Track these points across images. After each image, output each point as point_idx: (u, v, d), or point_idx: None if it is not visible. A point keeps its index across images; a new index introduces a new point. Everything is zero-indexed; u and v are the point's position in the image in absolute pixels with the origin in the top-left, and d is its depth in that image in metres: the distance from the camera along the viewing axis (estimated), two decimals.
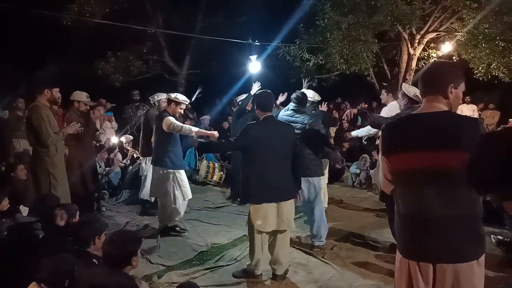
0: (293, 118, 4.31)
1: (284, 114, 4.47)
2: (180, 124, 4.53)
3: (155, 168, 4.89)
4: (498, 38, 8.99)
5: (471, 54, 9.63)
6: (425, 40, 10.82)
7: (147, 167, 5.68)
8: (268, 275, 3.74)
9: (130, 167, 7.06)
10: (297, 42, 10.66)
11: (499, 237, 4.15)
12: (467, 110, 10.86)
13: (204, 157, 8.44)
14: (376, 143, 8.43)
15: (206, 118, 9.74)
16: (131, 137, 7.61)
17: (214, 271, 3.92)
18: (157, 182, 4.83)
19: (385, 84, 9.32)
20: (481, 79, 9.74)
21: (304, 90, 5.34)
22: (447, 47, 10.30)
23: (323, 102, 5.91)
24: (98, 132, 6.00)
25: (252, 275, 3.70)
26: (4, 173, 5.68)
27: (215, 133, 4.82)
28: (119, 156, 7.22)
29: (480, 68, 9.62)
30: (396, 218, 2.01)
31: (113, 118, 8.34)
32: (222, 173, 7.74)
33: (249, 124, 3.56)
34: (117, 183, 6.85)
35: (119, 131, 8.16)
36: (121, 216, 5.74)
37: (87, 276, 2.32)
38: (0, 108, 7.83)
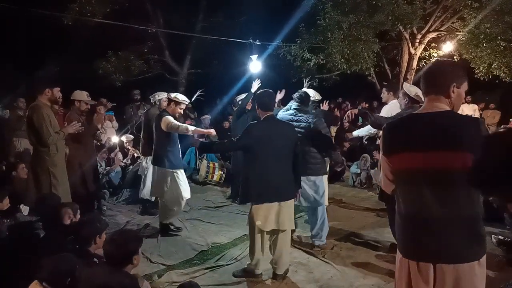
0: (297, 118, 4.30)
1: (286, 113, 4.46)
2: (177, 123, 4.51)
3: (154, 168, 4.91)
4: (499, 37, 8.98)
5: (472, 54, 9.61)
6: (426, 39, 10.80)
7: (147, 166, 5.69)
8: (268, 275, 3.74)
9: (131, 166, 7.06)
10: (298, 41, 10.65)
11: (500, 237, 4.15)
12: (468, 109, 10.85)
13: (204, 157, 8.44)
14: (377, 142, 8.44)
15: (207, 118, 9.73)
16: (132, 137, 7.62)
17: (214, 271, 3.92)
18: (157, 182, 4.84)
19: (385, 83, 9.32)
20: (482, 78, 9.72)
21: (304, 89, 5.35)
22: (448, 47, 10.29)
23: (325, 101, 5.91)
24: (99, 132, 6.01)
25: (252, 274, 3.70)
26: (4, 172, 5.69)
27: (212, 131, 4.82)
28: (120, 155, 7.22)
29: (481, 67, 9.60)
30: (396, 217, 2.01)
31: (113, 117, 8.35)
32: (222, 172, 7.74)
33: (251, 124, 3.56)
34: (117, 183, 6.85)
35: (120, 131, 8.17)
36: (122, 216, 5.74)
37: (88, 275, 2.32)
38: (1, 108, 7.84)
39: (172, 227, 5.00)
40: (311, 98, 4.90)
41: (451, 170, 1.78)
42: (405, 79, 10.80)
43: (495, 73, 9.62)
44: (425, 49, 11.19)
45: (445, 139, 1.81)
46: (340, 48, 9.75)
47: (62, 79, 4.84)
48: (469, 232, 1.81)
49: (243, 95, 6.33)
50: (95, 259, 2.84)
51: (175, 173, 4.69)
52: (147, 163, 5.72)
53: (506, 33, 8.82)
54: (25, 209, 4.30)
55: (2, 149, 7.05)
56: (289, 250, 3.87)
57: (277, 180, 3.50)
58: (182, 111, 4.93)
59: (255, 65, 7.90)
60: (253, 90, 5.75)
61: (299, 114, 4.34)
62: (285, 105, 5.32)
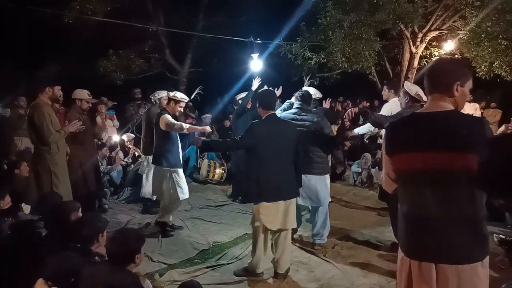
0: (301, 117, 4.29)
1: (289, 112, 4.45)
2: (174, 121, 4.49)
3: (154, 167, 4.91)
4: (500, 36, 8.96)
5: (474, 53, 9.60)
6: (427, 38, 10.78)
7: (148, 165, 5.69)
8: (269, 274, 3.74)
9: (132, 165, 7.07)
10: (299, 40, 10.64)
11: (501, 236, 4.14)
12: (469, 108, 10.79)
13: (205, 156, 8.45)
14: (378, 141, 8.46)
15: (208, 117, 9.73)
16: (133, 135, 7.62)
17: (215, 270, 3.92)
18: (156, 181, 4.85)
19: (385, 82, 9.31)
20: (483, 77, 9.70)
21: (305, 88, 5.35)
22: (449, 46, 10.27)
23: (328, 99, 5.91)
24: (101, 123, 6.00)
25: (253, 273, 3.71)
26: (6, 171, 5.69)
27: (207, 128, 4.81)
28: (121, 154, 7.22)
29: (483, 66, 9.59)
30: (399, 217, 2.00)
31: (114, 116, 8.35)
32: (223, 171, 7.74)
33: (253, 123, 3.55)
34: (118, 182, 6.86)
35: (121, 129, 8.17)
36: (123, 214, 5.75)
37: (91, 274, 2.32)
38: (2, 106, 7.84)
39: (169, 227, 4.98)
40: (312, 97, 4.90)
41: (454, 170, 1.77)
42: (406, 78, 10.79)
43: (496, 72, 9.61)
44: (426, 48, 11.17)
45: (448, 139, 1.79)
46: (341, 47, 9.74)
47: (62, 78, 4.84)
48: (471, 232, 1.80)
49: (243, 94, 6.33)
50: (96, 258, 2.84)
51: (173, 173, 4.68)
52: (148, 162, 5.71)
53: (508, 32, 8.80)
54: (26, 208, 4.30)
55: (3, 148, 7.04)
56: (291, 249, 3.87)
57: (281, 178, 3.50)
58: (182, 109, 4.92)
59: (256, 64, 7.89)
60: (253, 88, 5.73)
61: (303, 113, 4.34)
62: (282, 103, 5.32)
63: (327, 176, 4.54)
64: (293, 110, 4.44)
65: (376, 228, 5.07)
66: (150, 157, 5.49)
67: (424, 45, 10.87)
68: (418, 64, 11.15)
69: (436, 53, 11.05)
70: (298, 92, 4.58)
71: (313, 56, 10.54)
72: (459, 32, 10.07)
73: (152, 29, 11.27)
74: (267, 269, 3.77)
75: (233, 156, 6.82)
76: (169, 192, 4.71)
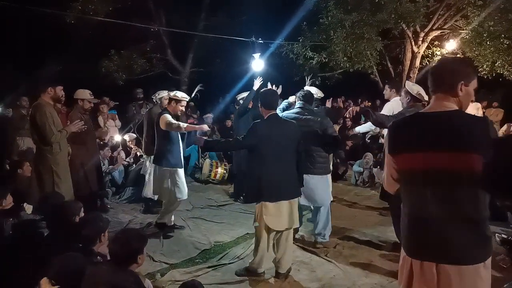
0: (304, 116, 4.30)
1: (291, 112, 4.45)
2: (172, 121, 4.48)
3: (154, 166, 4.92)
4: (503, 36, 8.95)
5: (476, 52, 9.58)
6: (429, 38, 10.77)
7: (150, 165, 5.69)
8: (271, 273, 3.74)
9: (134, 165, 7.08)
10: (301, 40, 10.64)
11: (503, 235, 4.13)
12: (471, 108, 10.75)
13: (207, 156, 8.46)
14: (380, 141, 8.44)
15: (209, 117, 9.74)
16: (134, 135, 7.63)
17: (217, 269, 3.92)
18: (156, 180, 4.85)
19: (387, 81, 9.31)
20: (485, 77, 9.68)
21: (307, 87, 5.34)
22: (451, 45, 10.26)
23: (329, 99, 5.91)
24: (104, 129, 6.01)
25: (255, 273, 3.70)
26: (8, 171, 5.71)
27: (205, 126, 4.81)
28: (123, 154, 7.24)
29: (485, 66, 9.57)
30: (401, 216, 2.00)
31: (116, 116, 8.35)
32: (225, 171, 7.75)
33: (255, 123, 3.55)
34: (120, 181, 6.87)
35: (123, 129, 8.18)
36: (124, 214, 5.75)
37: (93, 274, 2.33)
38: (4, 107, 7.87)
39: (170, 227, 4.97)
40: (314, 95, 4.90)
41: (457, 170, 1.76)
42: (408, 78, 10.78)
43: (498, 71, 9.59)
44: (428, 47, 11.16)
45: (451, 139, 1.78)
46: (342, 47, 9.74)
47: (64, 78, 4.85)
48: (473, 233, 1.79)
49: (245, 94, 6.32)
50: (99, 258, 2.85)
51: (173, 173, 4.66)
52: (150, 162, 5.72)
53: (510, 31, 8.79)
54: (28, 208, 4.31)
55: (5, 148, 7.07)
56: (292, 249, 3.87)
57: (283, 178, 3.50)
58: (183, 109, 4.90)
59: (257, 64, 7.89)
60: (255, 88, 5.73)
61: (306, 113, 4.33)
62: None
63: (329, 176, 4.55)
64: (295, 110, 4.43)
65: (377, 228, 5.06)
66: (152, 157, 5.50)
67: (426, 44, 10.86)
68: (420, 64, 11.15)
69: (438, 53, 11.05)
70: (300, 92, 4.58)
71: (315, 56, 10.54)
72: (461, 31, 10.06)
73: (153, 29, 11.28)
74: (268, 268, 3.77)
75: (234, 156, 6.82)
76: (168, 192, 4.71)
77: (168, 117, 4.49)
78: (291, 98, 6.15)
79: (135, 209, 6.00)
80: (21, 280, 2.59)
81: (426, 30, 10.56)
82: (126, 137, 7.63)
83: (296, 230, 4.51)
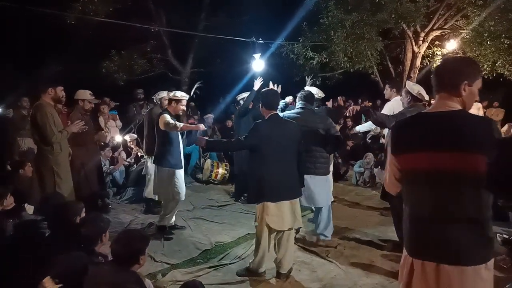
0: (307, 117, 4.31)
1: (292, 112, 4.46)
2: (170, 121, 4.46)
3: (155, 166, 4.93)
4: (503, 35, 8.95)
5: (476, 52, 9.58)
6: (430, 37, 10.77)
7: (151, 166, 5.69)
8: (272, 274, 3.74)
9: (135, 165, 7.09)
10: (301, 40, 10.65)
11: (505, 235, 4.13)
12: (473, 108, 10.75)
13: (208, 156, 8.46)
14: (381, 141, 8.44)
15: (210, 117, 9.74)
16: (135, 136, 7.63)
17: (218, 270, 3.92)
18: (155, 181, 4.86)
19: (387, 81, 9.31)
20: (486, 77, 9.68)
21: (307, 87, 5.34)
22: (451, 45, 10.25)
23: (330, 99, 5.91)
24: (103, 131, 6.02)
25: (255, 273, 3.70)
26: (9, 171, 5.71)
27: (201, 126, 4.81)
28: (124, 154, 7.24)
29: (485, 66, 9.57)
30: (403, 216, 2.00)
31: (117, 116, 8.36)
32: (225, 172, 7.75)
33: (257, 123, 3.55)
34: (121, 182, 6.88)
35: (123, 130, 8.19)
36: (125, 214, 5.75)
37: (96, 274, 2.34)
38: (5, 107, 7.88)
39: (171, 228, 4.97)
40: (315, 96, 4.90)
41: (459, 171, 1.75)
42: (409, 77, 10.78)
43: (499, 71, 9.59)
44: (428, 47, 11.16)
45: (454, 139, 1.77)
46: (343, 47, 9.74)
47: (65, 79, 4.84)
48: (476, 234, 1.77)
49: (245, 94, 6.32)
50: (100, 258, 2.86)
51: (172, 173, 4.64)
52: (151, 162, 5.72)
53: (511, 31, 8.79)
54: (29, 208, 4.32)
55: (6, 148, 7.08)
56: (293, 249, 3.86)
57: (284, 178, 3.50)
58: (184, 107, 4.89)
59: (258, 64, 7.89)
60: (255, 88, 5.73)
61: (309, 113, 4.35)
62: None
63: (330, 176, 4.56)
64: (297, 110, 4.44)
65: (378, 228, 5.06)
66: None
67: (426, 44, 10.86)
68: (420, 64, 11.15)
69: (439, 53, 11.05)
70: (301, 92, 4.59)
71: (315, 56, 10.55)
72: (461, 31, 10.06)
73: (154, 29, 11.29)
74: (269, 269, 3.77)
75: (236, 157, 6.82)
76: (166, 192, 4.70)
77: (167, 117, 4.49)
78: (288, 98, 6.14)
79: (136, 209, 6.00)
80: (21, 280, 2.60)
81: (427, 30, 10.56)
82: (127, 137, 7.64)
83: (297, 231, 4.51)
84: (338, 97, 11.00)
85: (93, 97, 5.35)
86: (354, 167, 7.94)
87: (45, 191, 4.27)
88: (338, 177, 7.85)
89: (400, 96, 4.60)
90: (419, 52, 10.90)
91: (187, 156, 8.20)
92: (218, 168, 7.74)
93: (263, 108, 3.62)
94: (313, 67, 10.88)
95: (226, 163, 8.05)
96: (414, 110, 3.76)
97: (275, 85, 5.38)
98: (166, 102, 5.19)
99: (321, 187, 4.35)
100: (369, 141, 9.19)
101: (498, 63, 9.43)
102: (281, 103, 5.21)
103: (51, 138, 4.23)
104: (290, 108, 5.66)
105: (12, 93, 7.97)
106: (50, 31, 10.05)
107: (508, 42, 9.01)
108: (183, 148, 5.04)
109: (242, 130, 5.68)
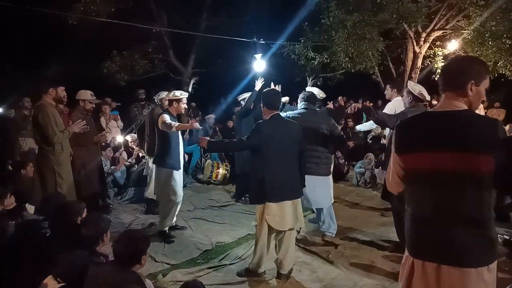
0: (312, 117, 4.33)
1: (295, 113, 4.46)
2: (166, 120, 4.43)
3: (154, 167, 4.93)
4: (505, 36, 8.93)
5: (478, 52, 9.56)
6: (431, 38, 10.76)
7: (152, 166, 5.69)
8: (272, 274, 3.74)
9: (136, 166, 7.09)
10: (302, 40, 10.65)
11: (505, 236, 4.13)
12: None
13: (209, 156, 8.46)
14: (382, 142, 8.43)
15: (211, 117, 9.75)
16: (136, 136, 7.64)
17: (218, 270, 3.92)
18: (156, 181, 4.86)
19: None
20: None
21: (308, 88, 5.35)
22: (453, 45, 10.23)
23: (331, 101, 5.92)
24: (104, 132, 6.03)
25: (255, 273, 3.70)
26: (11, 171, 5.73)
27: (196, 125, 4.80)
28: (125, 154, 7.26)
29: None
30: (406, 216, 1.99)
31: (118, 117, 8.38)
32: (226, 172, 7.76)
33: (259, 123, 3.55)
34: (122, 182, 6.89)
35: (125, 130, 8.20)
36: (126, 215, 5.77)
37: (97, 273, 2.34)
38: (6, 107, 7.90)
39: (172, 228, 4.97)
40: (317, 97, 4.92)
41: (463, 171, 1.73)
42: (410, 78, 10.77)
43: (500, 71, 9.57)
44: (430, 48, 11.15)
45: (459, 139, 1.75)
46: (344, 47, 9.74)
47: (66, 79, 4.86)
48: (478, 235, 1.76)
49: (246, 94, 6.32)
50: (101, 258, 2.86)
51: (169, 174, 4.62)
52: (152, 163, 5.73)
53: None
54: (30, 208, 4.33)
55: (8, 149, 7.10)
56: (294, 249, 3.86)
57: (286, 179, 3.50)
58: (185, 105, 4.86)
59: (259, 64, 7.89)
60: (257, 88, 5.73)
61: (312, 114, 4.37)
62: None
63: (330, 177, 4.57)
64: (301, 111, 4.45)
65: (379, 229, 5.06)
66: None
67: (427, 44, 10.85)
68: (421, 64, 11.14)
69: (440, 53, 11.03)
70: (303, 93, 4.60)
71: (316, 56, 10.55)
72: (463, 31, 10.05)
73: (155, 30, 11.31)
74: (270, 269, 3.77)
75: (236, 157, 6.82)
76: (163, 192, 4.69)
77: (165, 117, 4.47)
78: (284, 99, 6.14)
79: (137, 209, 6.01)
80: (21, 280, 2.60)
81: (428, 30, 10.55)
82: (128, 137, 7.65)
83: (297, 231, 4.52)
84: (339, 98, 10.99)
85: (94, 97, 5.36)
86: (355, 168, 7.94)
87: (47, 191, 4.28)
88: (339, 177, 7.85)
89: (401, 96, 4.59)
90: (420, 53, 10.89)
91: (188, 156, 8.21)
92: (218, 168, 7.75)
93: (264, 108, 3.62)
94: (314, 67, 10.88)
95: (227, 164, 8.06)
96: (415, 110, 3.76)
97: (277, 85, 5.39)
98: (166, 103, 5.19)
99: (322, 187, 4.37)
100: (370, 141, 9.19)
101: (499, 63, 9.42)
102: None
103: (52, 138, 4.25)
104: (286, 107, 5.67)
105: (13, 93, 7.99)
106: (51, 31, 10.08)
107: (509, 42, 8.99)
108: (184, 148, 5.03)
109: (243, 130, 5.68)
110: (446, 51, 10.75)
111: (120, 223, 5.31)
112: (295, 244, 4.06)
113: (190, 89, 7.89)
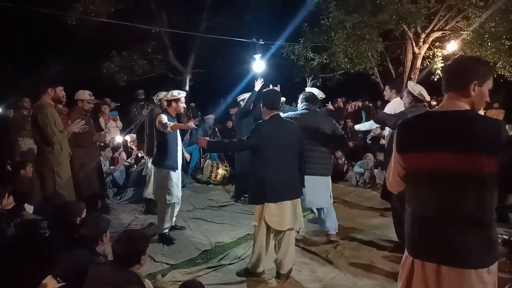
0: (314, 117, 4.34)
1: (297, 113, 4.46)
2: (163, 121, 4.42)
3: (153, 167, 4.93)
4: (504, 37, 8.94)
5: (477, 53, 9.56)
6: (430, 39, 10.76)
7: (151, 166, 5.69)
8: (272, 274, 3.73)
9: (135, 166, 7.09)
10: (302, 41, 10.65)
11: (505, 236, 4.13)
12: None
13: (208, 156, 8.46)
14: (381, 142, 8.44)
15: (211, 118, 9.75)
16: (135, 136, 7.65)
17: (217, 270, 3.92)
18: (155, 182, 4.85)
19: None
20: None
21: (308, 89, 5.36)
22: (452, 46, 10.24)
23: (329, 102, 5.93)
24: (104, 132, 6.02)
25: (254, 273, 3.70)
26: (10, 171, 5.72)
27: (191, 124, 4.79)
28: (124, 155, 7.25)
29: None
30: (406, 216, 1.98)
31: (118, 117, 8.38)
32: (225, 172, 7.76)
33: (259, 123, 3.55)
34: (121, 182, 6.88)
35: (124, 130, 8.20)
36: (126, 215, 5.76)
37: (97, 273, 2.34)
38: (5, 107, 7.89)
39: (173, 228, 4.97)
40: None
41: (464, 171, 1.73)
42: (409, 79, 10.77)
43: (499, 72, 9.58)
44: (429, 49, 11.15)
45: (460, 139, 1.74)
46: (343, 48, 9.74)
47: (65, 79, 4.86)
48: (478, 237, 1.75)
49: (245, 95, 6.32)
50: (101, 258, 2.86)
51: (167, 174, 4.59)
52: (151, 163, 5.72)
53: (511, 32, 8.78)
54: (29, 208, 4.32)
55: (7, 149, 7.09)
56: (293, 249, 3.86)
57: (287, 178, 3.51)
58: (184, 104, 4.85)
59: (258, 65, 7.89)
60: (256, 89, 5.73)
61: (314, 114, 4.39)
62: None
63: (329, 178, 4.58)
64: (302, 111, 4.47)
65: (379, 229, 5.06)
66: None
67: (427, 45, 10.85)
68: (421, 65, 11.14)
69: (439, 54, 11.04)
70: (303, 94, 4.61)
71: (316, 57, 10.55)
72: (462, 32, 10.05)
73: (155, 30, 11.30)
74: (269, 269, 3.77)
75: (236, 157, 6.82)
76: (160, 193, 4.67)
77: (163, 117, 4.45)
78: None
79: (136, 209, 6.01)
80: (21, 280, 2.60)
81: (427, 31, 10.55)
82: (127, 138, 7.65)
83: (297, 231, 4.52)
84: (338, 99, 11.00)
85: (93, 98, 5.34)
86: (354, 168, 7.95)
87: (46, 191, 4.28)
88: (339, 177, 7.85)
89: (400, 97, 4.60)
90: (420, 53, 10.89)
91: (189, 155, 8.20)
92: (218, 168, 7.75)
93: (264, 108, 3.62)
94: (313, 68, 10.88)
95: (226, 164, 8.06)
96: (415, 110, 3.76)
97: (277, 86, 5.39)
98: (165, 104, 5.19)
99: (323, 187, 4.38)
100: (369, 141, 9.19)
101: (498, 64, 9.42)
102: None
103: (51, 138, 4.24)
104: (286, 108, 5.68)
105: (12, 93, 7.98)
106: (51, 31, 10.08)
107: (508, 43, 9.00)
108: (184, 148, 5.02)
109: (243, 131, 5.69)
110: (445, 52, 10.76)
111: (119, 223, 5.31)
112: (295, 244, 4.06)
113: (187, 88, 7.89)
